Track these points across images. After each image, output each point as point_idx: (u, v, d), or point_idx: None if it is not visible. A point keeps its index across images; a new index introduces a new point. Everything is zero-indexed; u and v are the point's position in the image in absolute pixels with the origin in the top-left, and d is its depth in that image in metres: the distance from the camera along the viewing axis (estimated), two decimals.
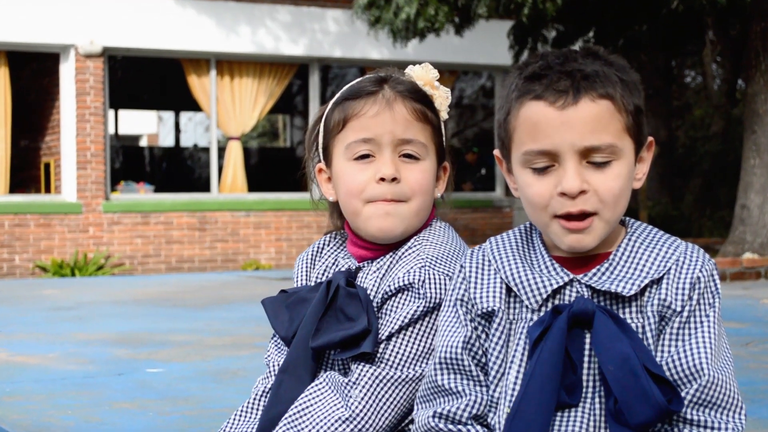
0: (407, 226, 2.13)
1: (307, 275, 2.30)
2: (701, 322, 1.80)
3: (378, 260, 2.16)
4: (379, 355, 2.04)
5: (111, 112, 19.88)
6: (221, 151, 15.88)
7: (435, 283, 2.05)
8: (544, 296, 1.83)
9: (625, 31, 13.44)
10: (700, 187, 18.20)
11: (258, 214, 15.00)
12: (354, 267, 2.19)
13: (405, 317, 2.03)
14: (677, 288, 1.81)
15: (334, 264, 2.25)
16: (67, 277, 13.24)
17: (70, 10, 14.02)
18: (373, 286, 2.13)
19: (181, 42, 14.72)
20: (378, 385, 2.02)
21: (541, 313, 1.83)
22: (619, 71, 1.82)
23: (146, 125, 33.49)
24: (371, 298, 2.11)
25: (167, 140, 32.19)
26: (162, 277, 13.01)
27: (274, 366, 2.28)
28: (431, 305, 2.04)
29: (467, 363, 1.89)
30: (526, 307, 1.85)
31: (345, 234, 2.29)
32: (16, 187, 14.98)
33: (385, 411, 2.01)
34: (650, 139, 1.88)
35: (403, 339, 2.04)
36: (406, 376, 2.02)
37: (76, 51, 14.10)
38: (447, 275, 2.06)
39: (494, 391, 1.88)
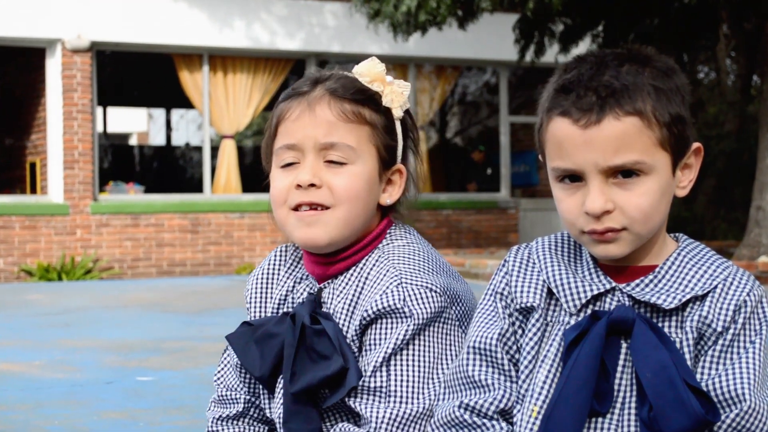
0: (334, 236, 2.06)
1: (262, 301, 2.24)
2: (746, 348, 1.82)
3: (341, 278, 2.11)
4: (384, 389, 1.98)
5: (99, 110, 19.89)
6: (214, 150, 15.89)
7: (418, 300, 2.00)
8: (584, 301, 1.87)
9: (636, 25, 13.44)
10: (714, 188, 18.20)
11: (253, 216, 15.00)
12: (315, 289, 2.14)
13: (396, 341, 1.98)
14: (721, 308, 1.83)
15: (293, 289, 2.19)
16: (54, 282, 13.24)
17: (57, 3, 14.03)
18: (343, 311, 2.07)
19: (172, 36, 14.73)
20: (397, 426, 1.97)
21: (579, 318, 1.87)
22: (656, 78, 1.81)
23: (136, 123, 33.50)
24: (343, 325, 2.06)
25: (158, 139, 32.19)
26: (153, 281, 13.01)
27: (229, 391, 2.25)
28: (420, 323, 1.99)
29: (500, 356, 1.93)
30: (565, 310, 1.89)
31: (299, 249, 2.23)
32: (0, 187, 14.99)
33: None
34: (696, 144, 1.89)
35: (402, 365, 1.99)
36: (422, 408, 1.97)
37: (63, 46, 14.11)
38: (426, 287, 2.01)
39: (520, 387, 1.91)
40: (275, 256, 2.26)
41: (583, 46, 13.63)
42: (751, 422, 1.79)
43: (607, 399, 1.83)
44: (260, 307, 2.24)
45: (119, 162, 20.35)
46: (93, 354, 5.75)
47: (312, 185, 2.05)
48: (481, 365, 1.94)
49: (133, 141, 33.24)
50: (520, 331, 1.94)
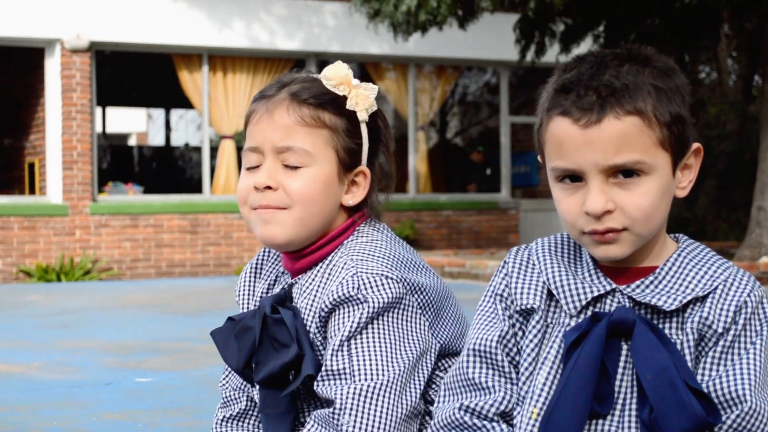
0: (292, 235, 2.12)
1: (249, 296, 2.29)
2: (746, 348, 1.83)
3: (309, 274, 2.16)
4: (346, 369, 2.01)
5: (98, 110, 19.90)
6: (214, 150, 15.89)
7: (372, 287, 2.03)
8: (584, 302, 1.88)
9: (637, 24, 13.44)
10: (715, 188, 18.20)
11: None
12: (287, 285, 2.19)
13: (352, 326, 2.01)
14: (721, 309, 1.83)
15: (274, 283, 2.26)
16: (53, 283, 13.24)
17: (56, 3, 14.03)
18: (308, 306, 2.12)
19: (171, 36, 14.73)
20: (362, 400, 1.99)
21: (579, 320, 1.87)
22: (657, 78, 1.82)
23: (135, 123, 33.50)
24: (307, 319, 2.10)
25: (157, 139, 32.19)
26: (152, 282, 13.01)
27: (233, 391, 2.30)
28: (377, 307, 2.02)
29: (500, 358, 1.94)
30: (565, 312, 1.89)
31: None
32: None
33: (382, 423, 1.99)
34: (696, 145, 1.89)
35: (362, 346, 2.01)
36: (386, 380, 1.99)
37: (62, 46, 14.12)
38: (381, 275, 2.04)
39: (520, 389, 1.92)
40: (262, 253, 2.32)
41: (584, 46, 13.62)
42: (752, 423, 1.79)
43: (608, 401, 1.83)
44: (246, 302, 2.29)
45: (118, 162, 20.35)
46: (92, 355, 5.75)
47: (268, 188, 2.12)
48: (481, 367, 1.94)
49: (132, 141, 33.24)
50: (520, 333, 1.94)
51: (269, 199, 2.12)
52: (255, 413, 2.28)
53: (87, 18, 14.19)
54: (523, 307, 1.93)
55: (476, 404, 1.92)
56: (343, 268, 2.08)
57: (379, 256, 2.10)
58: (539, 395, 1.87)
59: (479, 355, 1.95)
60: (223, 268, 14.89)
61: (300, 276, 2.17)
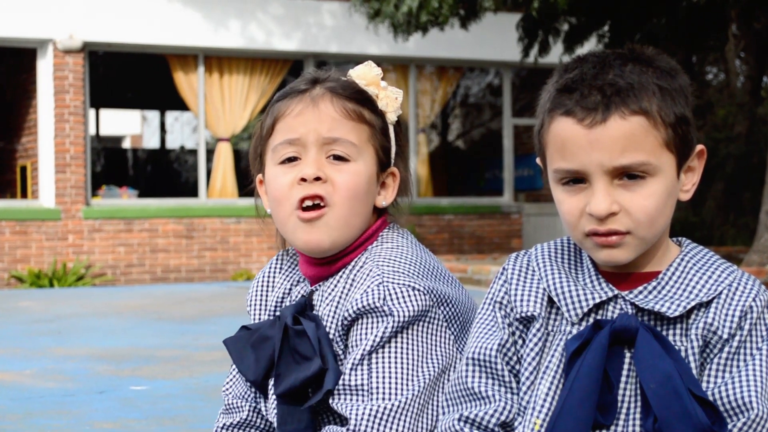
0: (336, 237, 2.09)
1: (262, 306, 2.27)
2: (752, 355, 1.82)
3: (330, 281, 2.14)
4: (364, 386, 1.99)
5: (92, 112, 19.91)
6: (210, 153, 15.90)
7: (398, 299, 2.01)
8: (585, 310, 1.87)
9: (643, 24, 13.45)
10: (723, 192, 18.21)
11: (249, 221, 15.00)
12: (308, 292, 2.16)
13: (375, 339, 1.99)
14: (726, 314, 1.83)
15: (289, 291, 2.22)
16: (45, 288, 13.24)
17: (48, 2, 14.05)
18: (330, 314, 2.10)
19: (166, 36, 14.74)
20: (378, 422, 1.97)
21: (581, 327, 1.87)
22: (661, 78, 1.82)
23: (129, 125, 33.50)
24: (330, 327, 2.09)
25: (152, 142, 32.20)
26: (146, 288, 13.01)
27: (236, 399, 2.28)
28: (401, 321, 2.00)
29: (500, 367, 1.93)
30: (566, 319, 1.89)
31: (296, 253, 2.27)
32: None
33: None
34: (699, 147, 1.89)
35: (382, 362, 2.00)
36: (404, 401, 1.98)
37: (55, 46, 14.13)
38: (408, 286, 2.02)
39: (521, 399, 1.91)
40: (275, 260, 2.30)
41: (588, 47, 13.63)
42: (758, 431, 1.79)
43: (611, 411, 1.83)
44: (259, 311, 2.27)
45: (112, 165, 20.35)
46: (85, 362, 5.75)
47: (317, 179, 2.08)
48: (480, 377, 1.94)
49: (126, 144, 33.24)
50: (520, 341, 1.94)
51: (317, 189, 2.08)
52: (256, 422, 2.26)
53: (80, 18, 14.20)
54: (523, 314, 1.93)
55: (476, 415, 1.92)
56: (368, 275, 2.06)
57: (405, 264, 2.08)
58: (542, 406, 1.86)
59: (478, 364, 1.94)
60: (219, 273, 14.88)
61: (321, 283, 2.15)
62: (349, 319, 2.04)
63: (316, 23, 15.58)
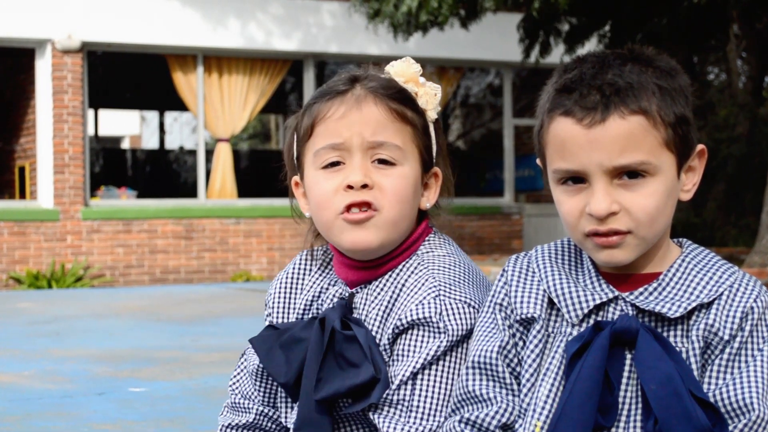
0: (384, 239, 2.05)
1: (286, 307, 2.22)
2: (753, 356, 1.82)
3: (375, 284, 2.10)
4: (405, 402, 1.97)
5: (90, 112, 19.90)
6: (209, 153, 15.90)
7: (454, 315, 1.99)
8: (586, 311, 1.87)
9: (644, 24, 13.45)
10: (724, 193, 18.20)
11: (248, 222, 15.01)
12: (347, 294, 2.12)
13: (427, 356, 1.97)
14: (727, 315, 1.83)
15: (321, 293, 2.18)
16: (44, 290, 13.24)
17: (46, 2, 14.05)
18: (378, 318, 2.06)
19: (165, 36, 14.74)
20: None
21: (581, 329, 1.87)
22: (660, 78, 1.82)
23: (128, 126, 33.50)
24: (377, 332, 2.05)
25: (151, 142, 32.20)
26: (145, 289, 13.01)
27: (243, 399, 2.25)
28: (454, 340, 1.98)
29: (501, 369, 1.93)
30: (567, 321, 1.89)
31: (328, 253, 2.22)
32: None
33: None
34: (700, 147, 1.89)
35: (428, 381, 1.98)
36: (437, 425, 1.97)
37: (53, 46, 14.13)
38: (465, 302, 2.01)
39: (522, 401, 1.91)
40: (301, 259, 2.25)
41: (589, 47, 13.63)
42: None
43: (612, 413, 1.83)
44: (284, 311, 2.22)
45: (111, 166, 20.34)
46: (84, 364, 5.75)
47: (364, 186, 2.03)
48: (481, 379, 1.94)
49: (125, 144, 33.24)
50: (521, 343, 1.94)
51: (365, 196, 2.03)
52: (263, 425, 2.23)
53: (78, 18, 14.20)
54: (523, 316, 1.93)
55: (477, 417, 1.92)
56: (423, 284, 2.03)
57: (459, 274, 2.06)
58: (543, 408, 1.87)
59: (479, 366, 1.94)
60: (218, 274, 14.88)
61: (363, 286, 2.11)
62: (401, 328, 2.01)
63: (316, 23, 15.58)
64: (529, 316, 1.92)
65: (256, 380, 2.24)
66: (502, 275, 2.00)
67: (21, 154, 15.10)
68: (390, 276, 2.09)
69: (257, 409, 2.23)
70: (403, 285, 2.07)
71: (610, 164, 1.78)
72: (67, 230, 14.16)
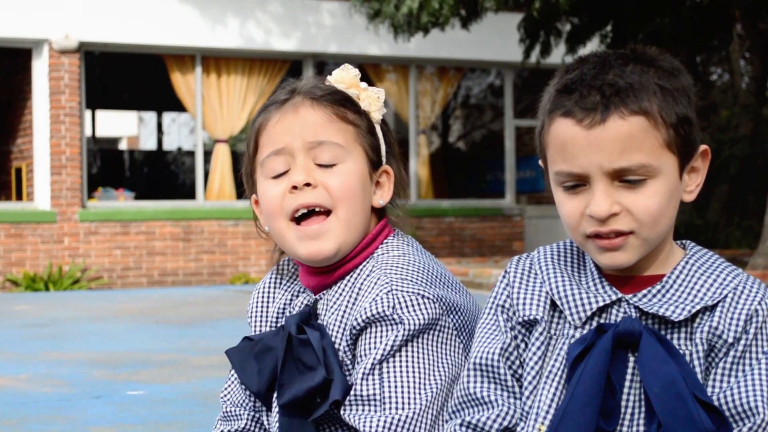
0: (341, 243, 2.08)
1: (262, 316, 2.26)
2: (758, 359, 1.82)
3: (335, 289, 2.12)
4: (377, 396, 1.99)
5: (88, 113, 19.91)
6: (207, 154, 15.91)
7: (408, 307, 2.00)
8: (589, 313, 1.87)
9: (646, 24, 13.46)
10: (727, 194, 18.21)
11: (247, 224, 15.00)
12: (311, 301, 2.15)
13: (386, 348, 1.99)
14: (731, 318, 1.83)
15: (291, 301, 2.21)
16: (41, 292, 13.24)
17: (44, 2, 14.05)
18: (337, 322, 2.09)
19: (163, 36, 14.75)
20: None
21: (584, 331, 1.87)
22: (662, 78, 1.81)
23: (126, 127, 33.51)
24: (336, 336, 2.08)
25: (149, 143, 32.20)
26: (143, 291, 13.01)
27: (234, 407, 2.26)
28: (413, 329, 1.99)
29: (503, 372, 1.93)
30: (569, 323, 1.89)
31: (296, 263, 2.25)
32: None
33: None
34: (703, 147, 1.89)
35: (395, 372, 1.99)
36: (417, 410, 1.98)
37: (50, 46, 14.13)
38: (419, 295, 2.02)
39: (524, 403, 1.91)
40: (276, 269, 2.28)
41: (590, 47, 13.64)
42: None
43: (614, 416, 1.82)
44: (260, 322, 2.26)
45: (108, 167, 20.35)
46: (81, 367, 5.75)
47: (307, 185, 2.07)
48: (482, 382, 1.94)
49: (122, 145, 33.25)
50: (522, 345, 1.94)
51: (310, 198, 2.07)
52: (254, 431, 2.25)
53: (76, 17, 14.21)
54: (525, 318, 1.93)
55: (478, 420, 1.92)
56: (376, 283, 2.05)
57: (413, 271, 2.07)
58: (546, 411, 1.86)
59: (480, 369, 1.94)
60: (217, 276, 14.89)
61: (325, 291, 2.14)
62: (358, 327, 2.03)
63: (316, 22, 15.58)
64: (531, 318, 1.92)
65: (243, 387, 2.26)
66: (504, 277, 2.00)
67: (18, 155, 15.11)
68: (348, 280, 2.12)
69: (248, 416, 2.25)
70: (360, 288, 2.09)
71: (610, 166, 1.78)
72: (64, 232, 14.16)
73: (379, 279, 2.06)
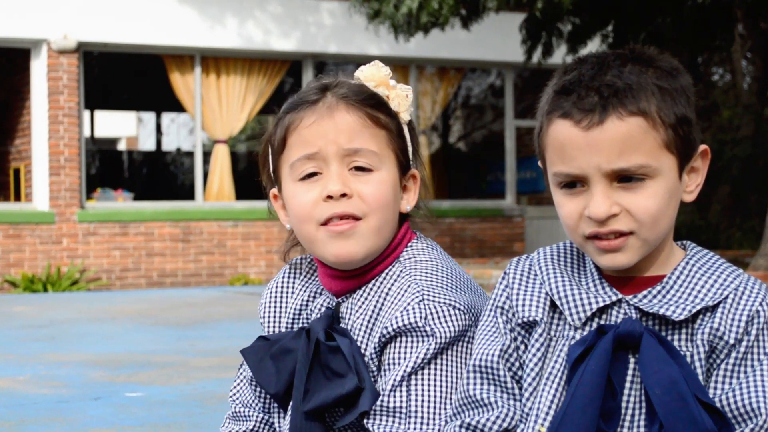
0: (369, 248, 2.06)
1: (276, 317, 2.24)
2: (760, 360, 1.82)
3: (360, 293, 2.11)
4: (403, 409, 1.98)
5: (86, 113, 19.91)
6: (206, 155, 15.91)
7: (440, 318, 2.00)
8: (589, 314, 1.87)
9: (647, 24, 13.46)
10: (729, 195, 18.22)
11: (246, 224, 15.01)
12: (333, 304, 2.14)
13: (416, 360, 1.98)
14: (733, 319, 1.82)
15: (308, 302, 2.19)
16: (39, 293, 13.24)
17: (42, 2, 14.05)
18: (363, 327, 2.07)
19: (162, 36, 14.75)
20: None
21: (584, 333, 1.87)
22: (660, 78, 1.82)
23: (125, 127, 33.52)
24: (362, 342, 2.06)
25: (148, 144, 32.20)
26: (142, 292, 13.01)
27: (243, 407, 2.26)
28: (443, 342, 1.99)
29: (503, 373, 1.93)
30: (569, 324, 1.89)
31: (313, 263, 2.23)
32: None
33: None
34: (703, 147, 1.89)
35: (423, 385, 1.99)
36: (443, 424, 1.98)
37: (49, 46, 14.13)
38: (450, 305, 2.01)
39: (524, 405, 1.91)
40: (289, 268, 2.26)
41: (591, 47, 13.64)
42: None
43: (615, 418, 1.82)
44: (274, 321, 2.24)
45: (107, 168, 20.36)
46: (80, 369, 5.75)
47: (343, 195, 2.04)
48: (482, 384, 1.94)
49: (121, 146, 33.25)
50: (522, 347, 1.94)
51: (345, 207, 2.04)
52: None
53: (74, 17, 14.21)
54: (525, 319, 1.93)
55: (477, 421, 1.92)
56: (406, 291, 2.04)
57: (443, 277, 2.06)
58: (546, 413, 1.86)
59: (480, 371, 1.94)
60: (216, 277, 14.89)
61: (348, 295, 2.12)
62: (388, 336, 2.02)
63: (315, 23, 15.59)
64: (530, 319, 1.92)
65: (254, 388, 2.25)
66: (503, 278, 2.00)
67: (16, 156, 15.11)
68: (374, 284, 2.10)
69: (257, 416, 2.25)
70: (387, 293, 2.07)
71: (608, 167, 1.78)
72: (62, 233, 14.16)
73: (410, 286, 2.04)
